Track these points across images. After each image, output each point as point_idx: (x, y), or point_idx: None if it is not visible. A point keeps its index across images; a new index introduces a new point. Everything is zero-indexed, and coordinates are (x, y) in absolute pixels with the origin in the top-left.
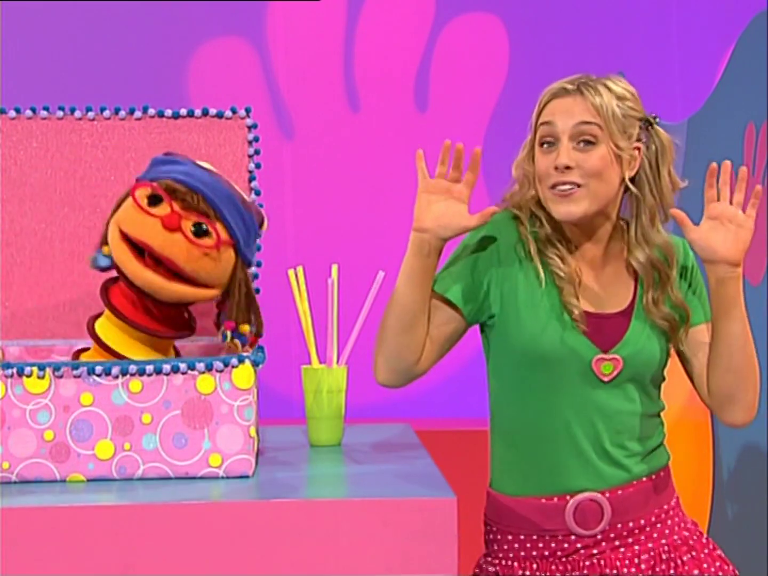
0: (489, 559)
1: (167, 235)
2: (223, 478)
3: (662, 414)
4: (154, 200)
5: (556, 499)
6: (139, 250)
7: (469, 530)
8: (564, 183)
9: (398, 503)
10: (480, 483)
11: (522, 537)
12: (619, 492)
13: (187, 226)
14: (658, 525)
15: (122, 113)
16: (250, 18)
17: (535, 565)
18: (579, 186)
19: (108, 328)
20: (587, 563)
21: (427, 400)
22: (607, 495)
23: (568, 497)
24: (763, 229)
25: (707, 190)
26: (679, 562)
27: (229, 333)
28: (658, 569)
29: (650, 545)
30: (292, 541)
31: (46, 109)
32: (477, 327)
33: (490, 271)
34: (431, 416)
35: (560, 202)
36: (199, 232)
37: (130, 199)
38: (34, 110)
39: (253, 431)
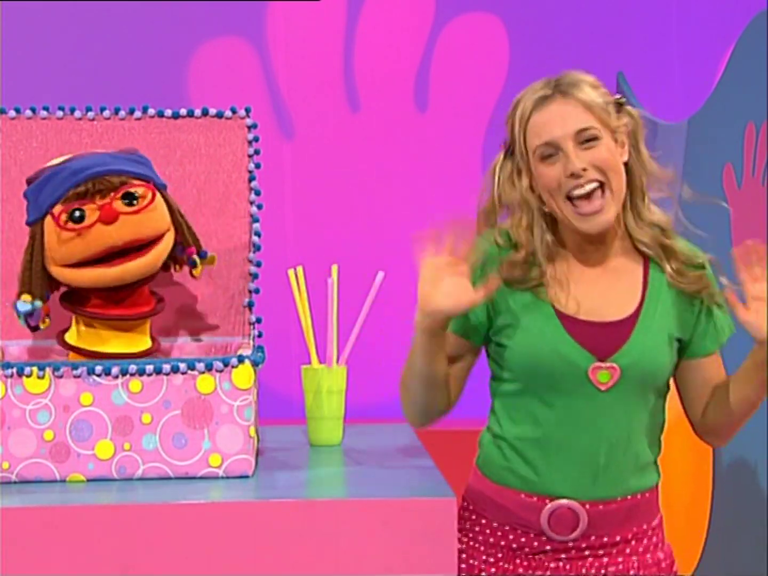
0: (461, 537)
1: (114, 227)
2: (223, 478)
3: (663, 428)
4: (75, 218)
5: (535, 498)
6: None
7: None
8: (582, 186)
9: (398, 503)
10: None
11: (495, 525)
12: (601, 507)
13: (120, 206)
14: (633, 542)
15: (122, 113)
16: (250, 18)
17: (500, 554)
18: (600, 184)
19: (79, 334)
20: (552, 565)
21: None
22: (587, 507)
23: (547, 500)
24: (763, 229)
25: (744, 270)
26: None
27: (196, 258)
28: None
29: (620, 559)
30: (292, 541)
31: (46, 109)
32: None
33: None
34: None
35: (585, 220)
36: (132, 201)
37: (52, 234)
38: (34, 110)
39: (252, 431)
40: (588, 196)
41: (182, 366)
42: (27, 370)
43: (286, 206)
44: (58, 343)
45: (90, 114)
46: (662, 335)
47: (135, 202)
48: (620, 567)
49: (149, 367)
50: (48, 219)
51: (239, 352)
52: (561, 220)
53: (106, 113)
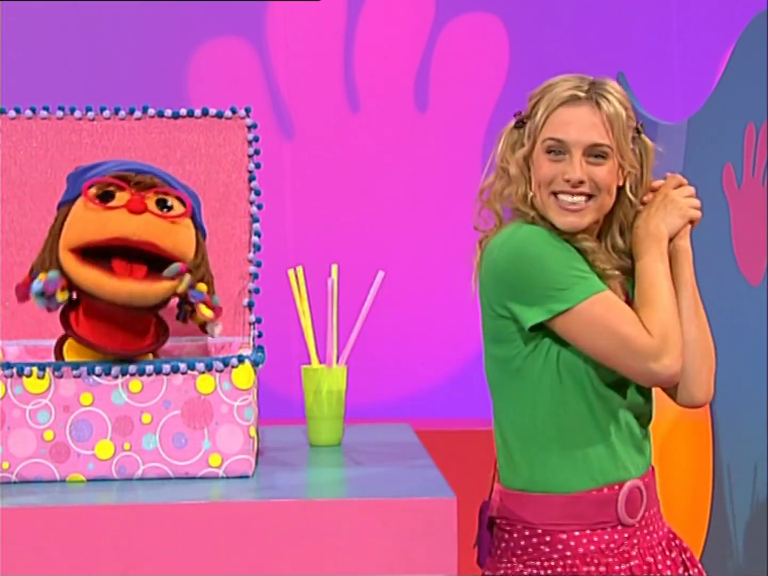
0: (518, 564)
1: (136, 219)
2: (222, 478)
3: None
4: (105, 197)
5: (605, 489)
6: (105, 262)
7: (469, 530)
8: (574, 195)
9: (398, 503)
10: (480, 483)
11: (576, 534)
12: (646, 479)
13: (151, 204)
14: (658, 515)
15: (122, 113)
16: (250, 18)
17: (596, 560)
18: (589, 197)
19: (76, 351)
20: (633, 553)
21: (427, 400)
22: (645, 480)
23: (616, 487)
24: (762, 229)
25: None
26: (684, 545)
27: (196, 297)
28: (672, 554)
29: (661, 533)
30: (292, 541)
31: (46, 109)
32: (474, 326)
33: None
34: (431, 416)
35: (566, 214)
36: (164, 206)
37: (77, 211)
38: (34, 110)
39: (252, 431)
40: (576, 207)
41: (182, 366)
42: (27, 370)
43: (286, 206)
44: (54, 353)
45: (90, 114)
46: None
47: (167, 210)
48: (670, 535)
49: (149, 367)
50: (79, 201)
51: (239, 352)
52: (538, 209)
53: (106, 113)
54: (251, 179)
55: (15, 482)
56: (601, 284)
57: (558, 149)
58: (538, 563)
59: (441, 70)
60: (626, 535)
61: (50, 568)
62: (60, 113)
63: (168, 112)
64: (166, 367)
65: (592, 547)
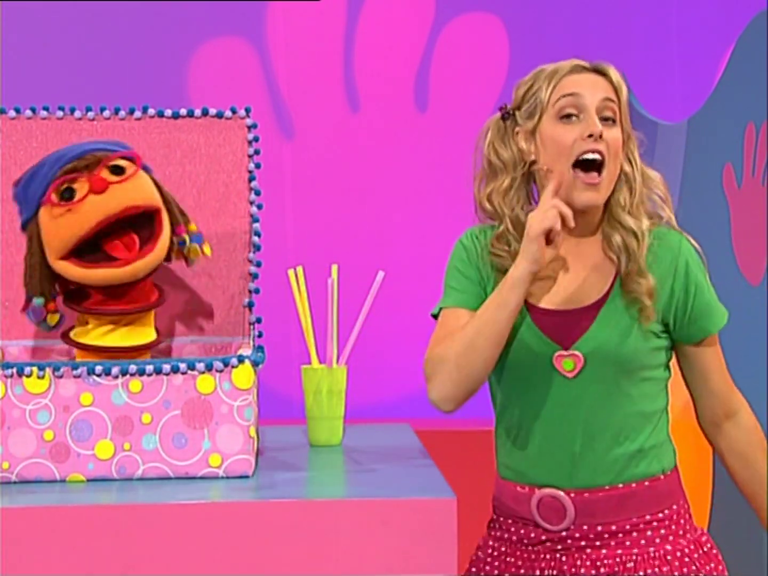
0: (485, 532)
1: (105, 196)
2: (222, 478)
3: (661, 414)
4: (66, 194)
5: (527, 489)
6: (100, 254)
7: (469, 530)
8: (594, 151)
9: (398, 503)
10: (480, 483)
11: (501, 519)
12: (586, 495)
13: (108, 176)
14: (633, 533)
15: (122, 113)
16: (250, 18)
17: (503, 548)
18: (603, 160)
19: (83, 330)
20: (548, 556)
21: (427, 400)
22: (572, 495)
23: (535, 489)
24: (763, 229)
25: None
26: (641, 574)
27: (186, 237)
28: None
29: (618, 551)
30: (292, 541)
31: (46, 109)
32: None
33: (480, 273)
34: (431, 416)
35: (585, 189)
36: (118, 171)
37: (47, 220)
38: (34, 110)
39: (252, 431)
40: (591, 166)
41: (182, 366)
42: (27, 370)
43: (286, 206)
44: (62, 340)
45: (90, 114)
46: (630, 320)
47: (122, 172)
48: (617, 559)
49: (149, 367)
50: (42, 210)
51: (239, 352)
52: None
53: (106, 113)
54: (251, 179)
55: (15, 482)
56: (455, 301)
57: (572, 110)
58: (485, 534)
59: (441, 70)
60: (544, 538)
61: (50, 568)
62: (60, 113)
63: (168, 112)
64: (166, 367)
65: (506, 536)
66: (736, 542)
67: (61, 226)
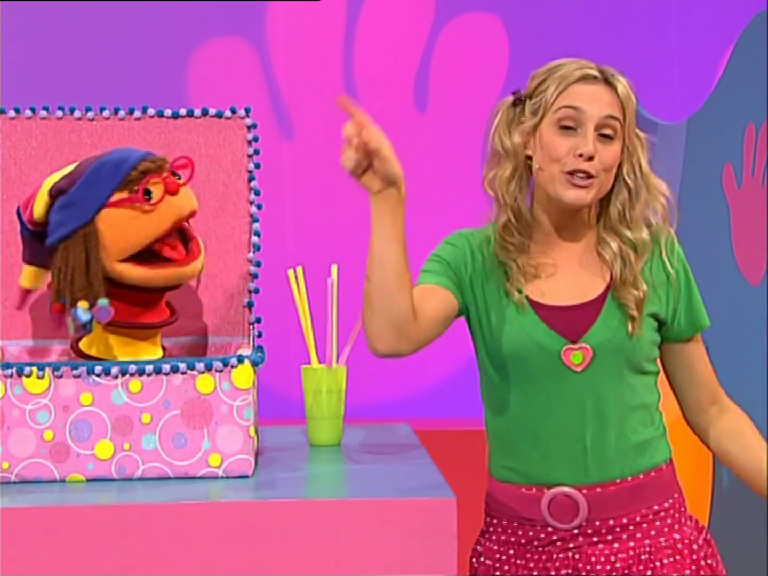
0: (480, 538)
1: (180, 198)
2: (222, 478)
3: (657, 407)
4: (147, 195)
5: (534, 490)
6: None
7: (469, 530)
8: (584, 172)
9: (398, 503)
10: (480, 483)
11: (504, 522)
12: (599, 490)
13: (173, 179)
14: (644, 525)
15: (122, 113)
16: (250, 18)
17: (512, 551)
18: (593, 177)
19: (93, 343)
20: (561, 555)
21: (427, 400)
22: (585, 492)
23: (545, 490)
24: (762, 229)
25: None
26: (657, 564)
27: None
28: (634, 569)
29: (631, 544)
30: (292, 541)
31: (45, 109)
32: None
33: (467, 269)
34: (431, 416)
35: (572, 187)
36: (176, 175)
37: (117, 221)
38: (33, 110)
39: (252, 431)
40: (585, 184)
41: (182, 366)
42: (27, 370)
43: (286, 206)
44: (72, 350)
45: (90, 114)
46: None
47: (179, 177)
48: (631, 552)
49: (149, 367)
50: (106, 212)
51: (239, 352)
52: (542, 187)
53: (106, 113)
54: (251, 179)
55: (15, 482)
56: (429, 278)
57: (571, 123)
58: (480, 538)
59: (441, 69)
60: (555, 537)
61: (50, 568)
62: (60, 113)
63: (168, 112)
64: (166, 367)
65: (513, 539)
66: (736, 542)
67: (136, 227)
